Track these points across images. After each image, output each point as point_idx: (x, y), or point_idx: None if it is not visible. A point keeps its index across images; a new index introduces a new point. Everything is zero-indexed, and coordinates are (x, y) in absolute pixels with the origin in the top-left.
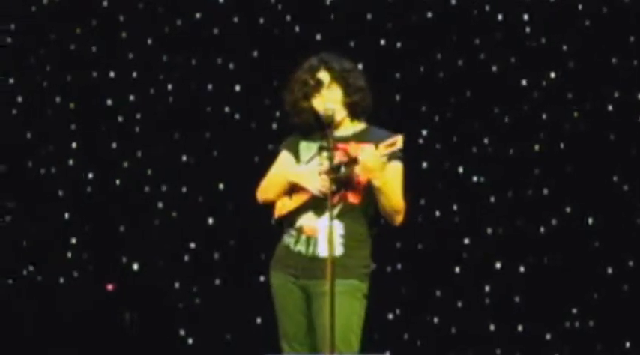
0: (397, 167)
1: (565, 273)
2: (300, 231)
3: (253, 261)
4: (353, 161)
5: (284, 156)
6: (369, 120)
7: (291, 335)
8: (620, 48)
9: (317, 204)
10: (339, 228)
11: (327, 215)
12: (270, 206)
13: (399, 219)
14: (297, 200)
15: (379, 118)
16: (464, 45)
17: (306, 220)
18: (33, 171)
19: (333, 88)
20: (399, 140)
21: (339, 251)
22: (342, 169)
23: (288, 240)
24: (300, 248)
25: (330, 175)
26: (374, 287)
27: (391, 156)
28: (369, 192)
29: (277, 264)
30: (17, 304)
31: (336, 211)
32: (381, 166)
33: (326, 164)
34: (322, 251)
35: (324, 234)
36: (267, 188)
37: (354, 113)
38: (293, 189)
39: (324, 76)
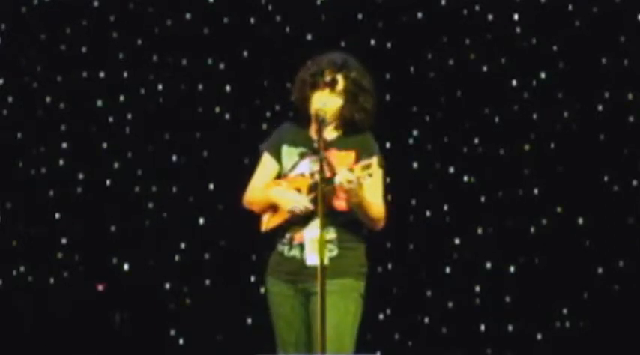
0: (377, 174)
1: (555, 273)
2: (291, 239)
3: (244, 262)
4: (330, 179)
5: (266, 162)
6: None
7: (290, 342)
8: (610, 48)
9: (303, 216)
10: (330, 233)
11: (312, 224)
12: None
13: (378, 226)
14: (282, 216)
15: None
16: (454, 45)
17: (295, 230)
18: (23, 171)
19: (339, 95)
20: (373, 163)
21: (333, 253)
22: (323, 186)
23: (282, 247)
24: (295, 253)
25: (310, 194)
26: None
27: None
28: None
29: (274, 271)
30: (7, 304)
31: (319, 220)
32: (358, 187)
33: (305, 180)
34: (308, 259)
35: (309, 243)
36: (252, 201)
37: (345, 127)
38: (277, 207)
39: (340, 80)
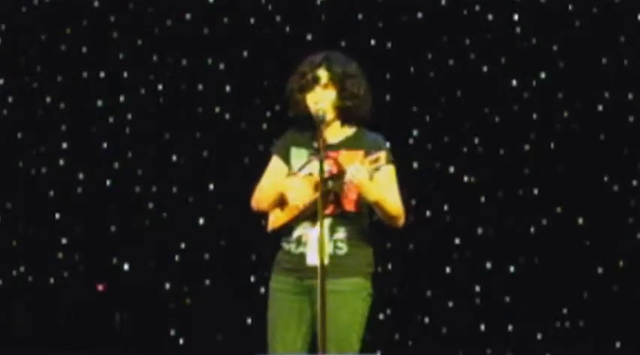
0: (390, 171)
1: (555, 273)
2: (299, 239)
3: (244, 262)
4: (339, 176)
5: (275, 163)
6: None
7: (284, 341)
8: (610, 48)
9: (310, 214)
10: (340, 232)
11: (319, 223)
12: (266, 214)
13: (399, 222)
14: (290, 212)
15: (370, 119)
16: (454, 45)
17: (303, 229)
18: (24, 171)
19: (328, 88)
20: (381, 157)
21: (342, 251)
22: (330, 183)
23: (289, 246)
24: (303, 250)
25: (319, 189)
26: None
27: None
28: (364, 201)
29: (280, 269)
30: (7, 304)
31: (329, 220)
32: (368, 181)
33: (314, 178)
34: (311, 259)
35: (312, 242)
36: (261, 199)
37: (345, 119)
38: (285, 202)
39: (322, 74)
